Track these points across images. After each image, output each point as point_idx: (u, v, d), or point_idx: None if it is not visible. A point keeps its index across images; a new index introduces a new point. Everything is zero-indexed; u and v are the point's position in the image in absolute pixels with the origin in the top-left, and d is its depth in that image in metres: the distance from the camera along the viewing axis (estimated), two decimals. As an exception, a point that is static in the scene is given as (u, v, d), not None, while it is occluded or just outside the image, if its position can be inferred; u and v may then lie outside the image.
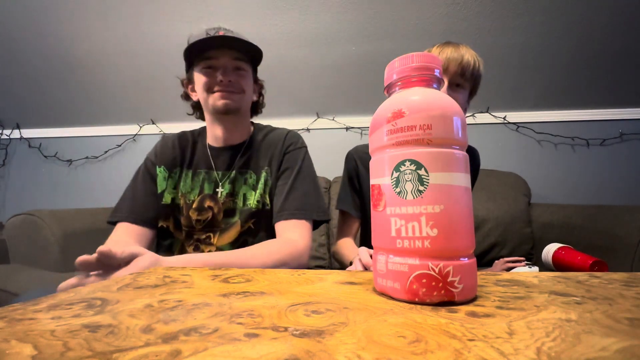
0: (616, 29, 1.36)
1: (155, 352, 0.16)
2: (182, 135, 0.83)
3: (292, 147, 0.79)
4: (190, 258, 0.55)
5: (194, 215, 0.74)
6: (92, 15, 1.45)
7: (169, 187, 0.77)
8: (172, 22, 1.44)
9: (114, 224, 0.72)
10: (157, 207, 0.75)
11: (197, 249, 0.74)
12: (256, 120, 0.88)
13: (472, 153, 0.93)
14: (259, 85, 0.85)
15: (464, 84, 0.78)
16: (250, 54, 0.75)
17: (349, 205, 0.90)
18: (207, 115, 0.79)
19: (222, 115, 0.75)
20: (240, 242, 0.74)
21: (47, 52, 1.59)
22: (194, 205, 0.75)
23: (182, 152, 0.80)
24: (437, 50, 0.79)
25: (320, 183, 0.89)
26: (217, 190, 0.75)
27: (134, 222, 0.71)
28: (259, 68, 0.83)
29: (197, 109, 0.84)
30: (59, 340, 0.18)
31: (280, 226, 0.71)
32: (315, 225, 0.76)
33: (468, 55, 0.76)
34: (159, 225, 0.75)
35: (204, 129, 0.84)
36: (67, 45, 1.56)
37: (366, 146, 0.97)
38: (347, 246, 0.84)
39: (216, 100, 0.73)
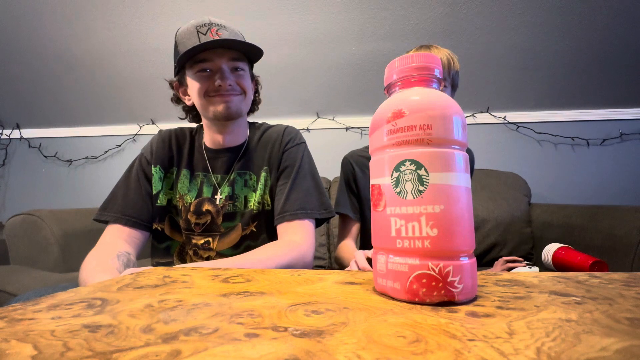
0: (616, 28, 1.36)
1: (155, 352, 0.16)
2: (180, 132, 0.80)
3: (290, 143, 0.76)
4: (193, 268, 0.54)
5: (192, 219, 0.72)
6: (92, 15, 1.45)
7: (164, 188, 0.74)
8: (172, 22, 1.44)
9: (103, 222, 0.69)
10: (152, 208, 0.72)
11: (196, 254, 0.72)
12: (256, 119, 0.87)
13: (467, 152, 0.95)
14: (254, 83, 0.80)
15: (443, 82, 0.82)
16: (248, 51, 0.70)
17: (347, 209, 0.90)
18: (204, 120, 0.75)
19: (223, 120, 0.71)
20: (242, 246, 0.72)
21: (47, 52, 1.59)
22: (192, 209, 0.72)
23: (180, 151, 0.77)
24: None
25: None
26: (216, 196, 0.73)
27: (126, 225, 0.68)
28: (259, 68, 0.81)
29: (190, 112, 0.80)
30: (59, 340, 0.18)
31: (283, 228, 0.69)
32: (319, 222, 0.75)
33: (440, 54, 0.81)
34: (153, 227, 0.73)
35: (201, 128, 0.80)
36: (67, 45, 1.56)
37: (361, 150, 0.98)
38: (347, 250, 0.84)
39: (217, 106, 0.68)
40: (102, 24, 1.48)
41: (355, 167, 0.93)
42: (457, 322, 0.20)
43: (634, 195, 1.55)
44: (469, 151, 0.95)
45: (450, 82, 0.83)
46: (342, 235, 0.92)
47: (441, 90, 0.88)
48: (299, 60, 1.56)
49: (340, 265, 0.85)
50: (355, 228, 0.91)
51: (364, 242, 0.97)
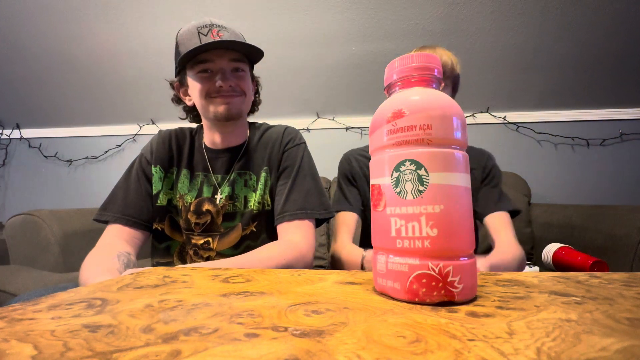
0: (616, 29, 1.36)
1: (155, 352, 0.16)
2: (180, 132, 0.80)
3: (290, 144, 0.77)
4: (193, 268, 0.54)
5: (192, 219, 0.72)
6: (92, 15, 1.45)
7: (164, 187, 0.74)
8: (172, 22, 1.44)
9: (103, 222, 0.70)
10: (152, 208, 0.73)
11: (196, 254, 0.72)
12: (256, 119, 0.87)
13: (482, 154, 0.92)
14: (254, 83, 0.80)
15: (445, 81, 0.81)
16: (249, 52, 0.71)
17: (346, 205, 0.89)
18: (204, 120, 0.76)
19: (224, 121, 0.71)
20: (242, 247, 0.73)
21: (47, 52, 1.59)
22: (192, 208, 0.72)
23: (180, 151, 0.77)
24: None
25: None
26: (216, 196, 0.73)
27: (126, 224, 0.68)
28: (259, 68, 0.81)
29: (190, 113, 0.80)
30: (59, 340, 0.18)
31: (282, 228, 0.69)
32: (319, 222, 0.75)
33: (445, 56, 0.81)
34: (153, 227, 0.73)
35: (201, 128, 0.80)
36: (67, 45, 1.56)
37: (361, 149, 0.97)
38: (350, 254, 0.77)
39: (217, 106, 0.69)
40: (103, 24, 1.48)
41: (354, 164, 0.92)
42: (457, 322, 0.20)
43: (634, 195, 1.55)
44: (489, 156, 0.93)
45: (452, 83, 0.83)
46: (340, 231, 0.86)
47: (443, 91, 0.85)
48: (299, 60, 1.56)
49: (338, 267, 0.79)
50: (354, 222, 0.87)
51: (365, 239, 0.96)
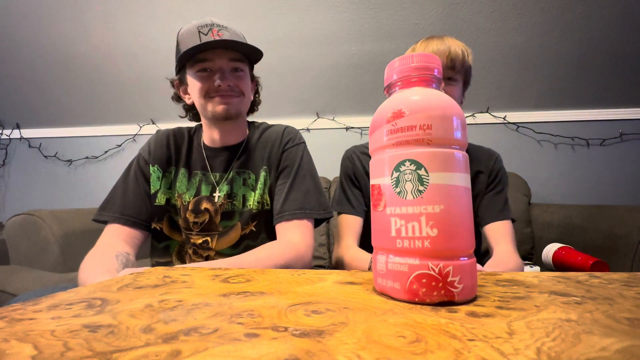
0: (616, 29, 1.36)
1: (155, 352, 0.16)
2: (178, 131, 0.80)
3: (290, 143, 0.77)
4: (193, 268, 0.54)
5: (191, 217, 0.72)
6: (92, 15, 1.45)
7: (163, 187, 0.74)
8: (172, 23, 1.44)
9: (102, 222, 0.70)
10: (150, 208, 0.73)
11: (195, 254, 0.72)
12: (256, 119, 0.86)
13: (490, 156, 0.90)
14: (254, 84, 0.81)
15: (456, 76, 0.75)
16: (248, 52, 0.71)
17: (349, 207, 0.85)
18: (203, 119, 0.76)
19: (222, 120, 0.72)
20: (241, 246, 0.73)
21: (47, 52, 1.59)
22: (190, 207, 0.73)
23: (178, 150, 0.77)
24: (422, 46, 0.76)
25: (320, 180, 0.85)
26: (214, 194, 0.73)
27: (125, 224, 0.69)
28: (259, 68, 0.81)
29: (190, 111, 0.81)
30: (59, 340, 0.18)
31: (281, 227, 0.69)
32: (318, 222, 0.75)
33: (455, 46, 0.73)
34: (152, 227, 0.73)
35: (200, 127, 0.81)
36: (67, 45, 1.56)
37: (363, 145, 0.93)
38: (358, 260, 0.74)
39: (215, 106, 0.69)
40: (102, 25, 1.48)
41: (357, 162, 0.89)
42: (457, 322, 0.20)
43: (634, 195, 1.54)
44: (497, 158, 0.90)
45: (463, 76, 0.77)
46: (344, 235, 0.84)
47: (453, 85, 0.80)
48: (299, 60, 1.56)
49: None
50: (358, 225, 0.84)
51: (366, 239, 0.94)
